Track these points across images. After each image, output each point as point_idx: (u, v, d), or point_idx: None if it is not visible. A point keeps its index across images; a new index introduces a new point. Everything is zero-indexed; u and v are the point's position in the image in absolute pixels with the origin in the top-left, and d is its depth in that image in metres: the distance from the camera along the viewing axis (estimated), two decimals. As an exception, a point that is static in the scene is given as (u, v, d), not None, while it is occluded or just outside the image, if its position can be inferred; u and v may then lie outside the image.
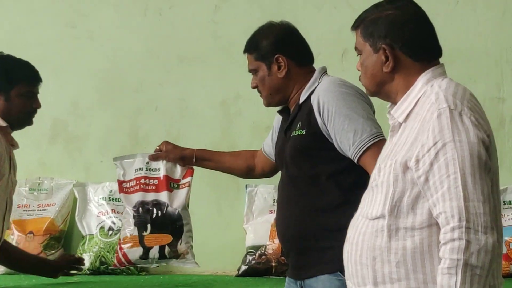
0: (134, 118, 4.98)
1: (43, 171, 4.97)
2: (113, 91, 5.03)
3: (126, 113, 4.99)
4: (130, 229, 3.47)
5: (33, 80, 3.30)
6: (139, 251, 3.46)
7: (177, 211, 3.49)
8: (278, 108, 3.13)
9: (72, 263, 3.61)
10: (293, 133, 2.92)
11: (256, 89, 3.09)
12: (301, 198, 2.89)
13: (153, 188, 3.53)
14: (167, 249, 3.47)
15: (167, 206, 3.50)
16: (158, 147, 3.50)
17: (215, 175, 4.61)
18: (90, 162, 4.97)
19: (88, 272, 4.57)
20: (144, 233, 3.47)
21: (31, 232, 4.72)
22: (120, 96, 5.02)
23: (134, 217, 3.48)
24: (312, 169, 2.88)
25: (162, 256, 3.47)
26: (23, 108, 3.27)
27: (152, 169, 3.57)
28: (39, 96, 4.85)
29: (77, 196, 4.85)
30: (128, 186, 3.54)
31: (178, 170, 3.56)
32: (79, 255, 4.66)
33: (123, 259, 3.47)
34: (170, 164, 3.56)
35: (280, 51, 2.99)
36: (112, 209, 4.70)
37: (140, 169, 3.57)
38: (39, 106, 3.32)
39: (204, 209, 4.71)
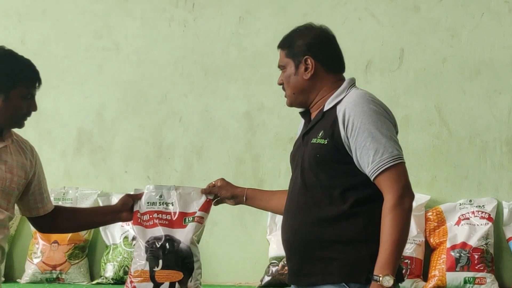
0: (159, 129, 5.01)
1: (68, 181, 5.01)
2: (137, 102, 5.06)
3: (151, 124, 5.02)
4: (141, 264, 3.46)
5: (35, 82, 3.24)
6: (149, 286, 3.44)
7: (189, 248, 3.50)
8: (301, 117, 3.14)
9: (130, 200, 3.56)
10: (314, 140, 2.91)
11: (281, 88, 3.09)
12: (313, 207, 2.88)
13: (166, 223, 3.53)
14: (177, 286, 3.47)
15: (180, 242, 3.50)
16: (213, 182, 3.51)
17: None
18: (115, 172, 5.00)
19: (112, 282, 4.60)
20: (156, 269, 3.45)
21: (55, 241, 4.75)
22: (144, 107, 5.05)
23: (146, 251, 3.48)
24: (328, 180, 2.87)
25: None
26: (20, 109, 3.20)
27: (166, 203, 3.57)
28: (65, 105, 4.91)
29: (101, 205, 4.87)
30: (143, 219, 3.54)
31: (194, 202, 3.57)
32: (103, 264, 4.70)
33: None
34: (185, 195, 3.57)
35: (310, 53, 2.99)
36: (136, 219, 4.72)
37: (153, 203, 3.57)
38: (35, 109, 3.27)
39: (227, 220, 4.73)
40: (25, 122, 3.28)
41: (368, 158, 2.79)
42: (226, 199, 3.51)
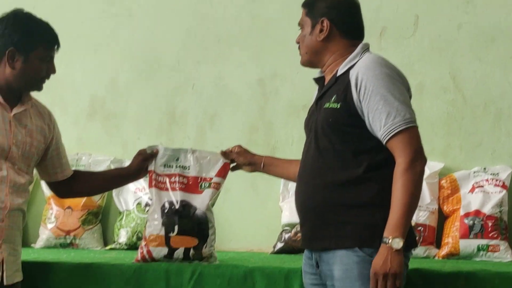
0: (171, 96, 5.00)
1: (81, 148, 5.01)
2: (150, 69, 5.05)
3: (164, 91, 5.02)
4: (157, 228, 3.49)
5: (54, 44, 3.25)
6: (164, 250, 3.48)
7: (205, 214, 3.51)
8: (315, 84, 3.14)
9: (143, 157, 3.58)
10: (327, 105, 2.91)
11: (297, 48, 3.09)
12: (327, 171, 2.88)
13: (182, 187, 3.54)
14: (192, 251, 3.49)
15: (196, 209, 3.51)
16: (230, 149, 3.56)
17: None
18: (127, 139, 5.01)
19: (125, 247, 4.62)
20: (171, 234, 3.48)
21: (69, 207, 4.77)
22: (157, 74, 5.04)
23: (162, 216, 3.49)
24: (341, 144, 2.87)
25: (186, 257, 3.49)
26: (39, 72, 3.21)
27: (182, 166, 3.58)
28: (78, 71, 4.92)
29: (114, 172, 4.88)
30: (158, 180, 3.55)
31: (211, 167, 3.57)
32: (117, 230, 4.72)
33: (147, 256, 3.50)
34: (202, 159, 3.57)
35: (328, 16, 2.99)
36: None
37: (170, 166, 3.58)
38: (54, 71, 3.27)
39: (240, 187, 4.73)
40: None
41: (380, 122, 2.78)
42: (243, 166, 3.52)
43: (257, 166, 3.51)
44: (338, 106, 2.87)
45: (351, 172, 2.84)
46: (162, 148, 3.62)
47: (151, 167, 3.58)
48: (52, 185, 3.53)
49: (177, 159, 3.60)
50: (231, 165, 3.60)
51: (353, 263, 2.80)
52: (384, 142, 2.80)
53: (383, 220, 2.77)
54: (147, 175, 3.58)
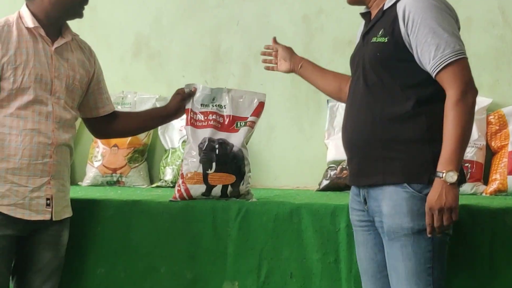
0: (215, 34, 4.98)
1: (126, 86, 5.03)
2: (194, 6, 5.02)
3: (208, 28, 4.99)
4: (195, 166, 3.51)
5: None
6: (202, 188, 3.50)
7: (241, 151, 3.51)
8: (361, 18, 3.10)
9: (181, 96, 3.60)
10: (374, 39, 2.88)
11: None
12: (375, 106, 2.86)
13: (219, 126, 3.56)
14: (229, 188, 3.51)
15: (233, 146, 3.52)
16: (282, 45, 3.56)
17: (295, 91, 4.63)
18: (172, 77, 5.00)
19: (171, 185, 4.65)
20: (209, 171, 3.50)
21: (115, 145, 4.81)
22: (201, 11, 5.01)
23: (199, 153, 3.51)
24: (390, 78, 2.84)
25: (223, 194, 3.51)
26: None
27: (218, 105, 3.59)
28: (122, 10, 4.91)
29: (160, 110, 4.90)
30: (195, 118, 3.57)
31: (246, 107, 3.58)
32: (162, 167, 4.75)
33: (184, 194, 3.52)
34: (237, 99, 3.57)
35: None
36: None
37: (206, 105, 3.59)
38: None
39: (285, 125, 4.73)
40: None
41: (429, 54, 2.74)
42: (283, 60, 3.48)
43: (295, 65, 3.49)
44: (386, 40, 2.83)
45: (400, 107, 2.81)
46: (199, 86, 3.62)
47: (188, 106, 3.60)
48: (91, 123, 3.54)
49: (214, 99, 3.61)
50: (268, 64, 3.58)
51: (402, 199, 2.78)
52: (433, 75, 2.76)
53: (433, 155, 2.75)
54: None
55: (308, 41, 4.81)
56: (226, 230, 3.46)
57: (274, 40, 3.59)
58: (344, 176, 4.36)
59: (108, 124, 3.54)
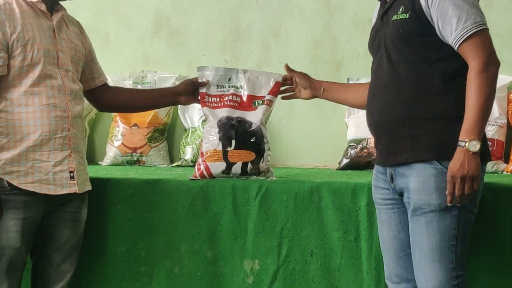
0: (235, 12, 4.96)
1: (147, 65, 5.03)
2: (214, -16, 5.02)
3: (228, 7, 4.98)
4: (214, 143, 3.51)
5: None
6: (222, 165, 3.50)
7: (260, 129, 3.51)
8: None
9: (193, 86, 3.61)
10: (394, 17, 2.86)
11: None
12: (400, 84, 2.84)
13: (236, 105, 3.56)
14: (249, 166, 3.51)
15: (251, 123, 3.51)
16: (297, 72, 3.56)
17: (316, 70, 4.61)
18: (192, 56, 5.00)
19: (191, 164, 4.66)
20: (229, 149, 3.50)
21: (135, 125, 4.82)
22: (221, -11, 5.01)
23: (219, 131, 3.51)
24: (413, 55, 2.82)
25: (244, 172, 3.51)
26: None
27: (235, 86, 3.58)
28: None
29: (179, 89, 4.90)
30: (211, 101, 3.57)
31: (263, 86, 3.57)
32: (182, 147, 4.76)
33: (205, 172, 3.51)
34: (253, 79, 3.57)
35: None
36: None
37: (223, 86, 3.59)
38: None
39: (305, 104, 4.69)
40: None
41: (451, 27, 2.72)
42: (303, 88, 3.50)
43: (317, 90, 3.50)
44: (407, 16, 2.82)
45: (425, 84, 2.80)
46: (214, 68, 3.62)
47: (202, 89, 3.59)
48: (91, 95, 3.55)
49: (229, 79, 3.60)
50: (285, 94, 3.59)
51: (430, 175, 2.77)
52: (456, 48, 2.74)
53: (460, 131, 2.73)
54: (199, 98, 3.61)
55: (328, 19, 4.79)
56: (246, 209, 3.46)
57: (287, 67, 3.57)
58: (364, 154, 4.35)
59: (107, 95, 3.56)
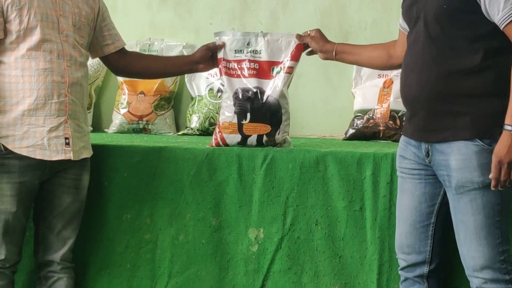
0: (244, -20, 4.94)
1: (154, 33, 5.01)
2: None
3: (236, -25, 4.96)
4: (230, 116, 3.50)
5: None
6: (237, 137, 3.50)
7: (277, 100, 3.49)
8: None
9: (210, 51, 3.60)
10: None
11: None
12: (441, 59, 2.81)
13: (254, 73, 3.52)
14: (265, 138, 3.50)
15: (268, 96, 3.49)
16: (308, 32, 3.51)
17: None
18: (200, 24, 4.97)
19: (197, 133, 4.66)
20: (244, 122, 3.49)
21: (142, 92, 4.80)
22: (230, -43, 4.97)
23: (234, 104, 3.49)
24: (456, 31, 2.78)
25: (259, 143, 3.50)
26: None
27: (253, 51, 3.54)
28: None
29: (186, 58, 4.89)
30: (229, 67, 3.53)
31: (283, 50, 3.53)
32: (189, 115, 4.75)
33: (221, 142, 3.52)
34: (273, 42, 3.53)
35: None
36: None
37: (240, 51, 3.55)
38: None
39: (312, 73, 4.70)
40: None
41: (498, 5, 2.68)
42: (315, 52, 3.48)
43: (329, 53, 3.46)
44: None
45: (467, 60, 2.77)
46: (232, 32, 3.59)
47: (220, 55, 3.57)
48: (107, 61, 3.55)
49: (248, 44, 3.57)
50: (306, 50, 3.57)
51: (472, 153, 2.75)
52: (501, 27, 2.71)
53: (502, 109, 2.70)
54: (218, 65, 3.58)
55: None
56: (252, 177, 3.46)
57: (298, 36, 3.52)
58: (370, 125, 4.34)
59: (124, 62, 3.54)
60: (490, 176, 2.70)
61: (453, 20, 2.78)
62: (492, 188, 2.71)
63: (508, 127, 2.66)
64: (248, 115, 3.49)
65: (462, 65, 2.77)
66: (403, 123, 3.15)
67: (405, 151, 3.00)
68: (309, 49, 3.56)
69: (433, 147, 2.86)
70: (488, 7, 2.72)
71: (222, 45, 3.54)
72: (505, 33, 2.72)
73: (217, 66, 3.57)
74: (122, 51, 3.54)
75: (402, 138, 3.04)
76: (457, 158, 2.79)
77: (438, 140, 2.84)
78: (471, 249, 2.81)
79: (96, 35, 3.43)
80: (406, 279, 3.05)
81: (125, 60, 3.55)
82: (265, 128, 3.51)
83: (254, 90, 3.50)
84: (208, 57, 3.58)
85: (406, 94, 2.95)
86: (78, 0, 3.30)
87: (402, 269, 3.06)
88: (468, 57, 2.77)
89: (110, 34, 3.47)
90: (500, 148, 2.68)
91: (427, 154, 2.89)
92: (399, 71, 4.34)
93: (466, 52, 2.77)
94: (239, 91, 3.51)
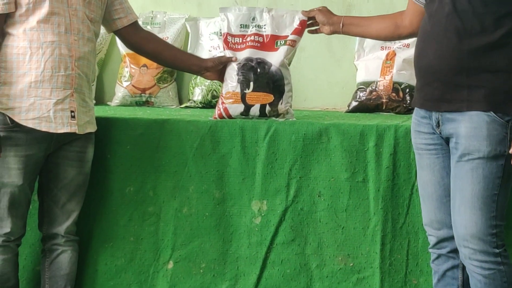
0: (246, -44, 4.92)
1: (156, 5, 4.99)
2: None
3: None
4: (233, 85, 3.52)
5: None
6: (240, 107, 3.51)
7: (280, 70, 3.49)
8: None
9: (221, 64, 3.61)
10: None
11: None
12: (464, 32, 2.78)
13: (258, 45, 3.55)
14: (267, 108, 3.50)
15: (271, 65, 3.50)
16: (314, 8, 3.53)
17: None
18: (202, -3, 4.98)
19: (200, 106, 4.66)
20: (246, 91, 3.50)
21: (144, 65, 4.79)
22: None
23: (238, 73, 3.50)
24: (482, 6, 2.76)
25: (262, 114, 3.51)
26: None
27: (258, 26, 3.56)
28: None
29: (189, 30, 4.88)
30: (233, 42, 3.56)
31: (287, 25, 3.55)
32: (191, 88, 4.75)
33: (224, 114, 3.52)
34: (278, 18, 3.54)
35: None
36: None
37: (246, 25, 3.57)
38: None
39: (315, 46, 4.69)
40: None
41: None
42: (322, 25, 3.48)
43: (335, 26, 3.46)
44: None
45: (490, 36, 2.75)
46: (237, 8, 3.60)
47: (224, 30, 3.58)
48: (120, 35, 3.56)
49: (253, 19, 3.58)
50: (311, 28, 3.57)
51: (483, 122, 2.75)
52: None
53: None
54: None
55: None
56: (255, 150, 3.47)
57: (304, 12, 3.55)
58: (373, 97, 4.34)
59: (137, 37, 3.54)
60: (511, 150, 2.71)
61: None
62: (510, 151, 2.71)
63: None
64: (251, 84, 3.50)
65: (484, 40, 2.76)
66: (414, 94, 3.13)
67: (418, 125, 2.99)
68: (313, 28, 3.56)
69: (443, 117, 2.86)
70: None
71: (235, 60, 3.54)
72: None
73: (221, 80, 3.61)
74: (136, 26, 3.55)
75: (415, 111, 3.03)
76: (467, 126, 2.78)
77: (452, 109, 2.83)
78: (464, 218, 2.80)
79: (108, 9, 3.42)
80: (438, 256, 3.03)
81: (138, 35, 3.55)
82: (268, 98, 3.51)
83: (258, 60, 3.52)
84: (218, 68, 3.60)
85: (422, 63, 2.92)
86: None
87: (433, 246, 3.03)
88: (491, 33, 2.75)
89: (123, 7, 3.47)
90: None
91: (437, 124, 2.89)
92: (402, 43, 4.39)
93: (491, 28, 2.76)
94: (243, 61, 3.53)
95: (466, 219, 2.80)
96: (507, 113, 2.73)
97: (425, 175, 3.00)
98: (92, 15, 3.30)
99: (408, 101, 4.25)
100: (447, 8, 2.84)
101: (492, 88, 2.75)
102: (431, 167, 2.96)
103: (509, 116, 2.73)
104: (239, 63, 3.52)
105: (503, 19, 2.76)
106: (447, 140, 2.88)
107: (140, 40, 3.56)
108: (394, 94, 4.30)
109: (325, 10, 3.51)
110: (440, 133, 2.89)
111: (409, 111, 4.20)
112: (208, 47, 4.73)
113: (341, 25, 3.45)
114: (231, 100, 3.51)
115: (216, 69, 3.60)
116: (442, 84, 2.84)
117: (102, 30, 3.53)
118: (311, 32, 3.61)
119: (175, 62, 3.72)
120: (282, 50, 3.54)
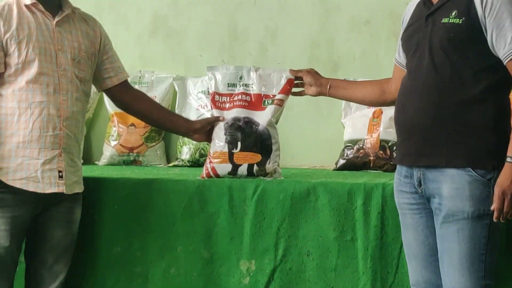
0: (233, 13, 4.96)
1: (144, 65, 5.03)
2: (212, -15, 5.01)
3: (225, 7, 4.97)
4: (220, 145, 3.53)
5: None
6: (228, 167, 3.51)
7: (267, 130, 3.51)
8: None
9: (209, 125, 3.62)
10: (445, 20, 2.81)
11: None
12: (442, 88, 2.80)
13: (246, 104, 3.56)
14: (255, 167, 3.51)
15: (259, 125, 3.52)
16: (304, 69, 3.55)
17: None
18: (190, 56, 5.00)
19: (188, 164, 4.66)
20: (234, 151, 3.51)
21: (132, 124, 4.80)
22: (218, -10, 5.00)
23: (225, 133, 3.52)
24: (460, 61, 2.79)
25: (250, 173, 3.51)
26: None
27: (245, 84, 3.58)
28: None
29: (177, 89, 4.90)
30: (221, 101, 3.57)
31: (274, 84, 3.57)
32: (179, 147, 4.75)
33: (211, 173, 3.53)
34: (265, 77, 3.57)
35: None
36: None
37: (233, 84, 3.59)
38: None
39: (302, 104, 4.70)
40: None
41: (505, 40, 2.70)
42: (309, 86, 3.50)
43: (323, 87, 3.47)
44: (460, 22, 2.78)
45: (468, 91, 2.77)
46: (224, 66, 3.63)
47: (212, 89, 3.60)
48: (110, 94, 3.57)
49: (241, 77, 3.61)
50: (296, 90, 3.59)
51: (465, 182, 2.75)
52: (505, 62, 2.73)
53: (497, 142, 2.73)
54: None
55: (324, 20, 4.80)
56: (243, 209, 3.46)
57: (291, 71, 3.56)
58: (361, 155, 4.35)
59: (127, 97, 3.56)
60: (493, 207, 2.70)
61: (460, 50, 2.79)
62: (495, 220, 2.71)
63: (510, 159, 2.68)
64: (239, 144, 3.51)
65: (464, 95, 2.77)
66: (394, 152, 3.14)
67: (400, 184, 2.99)
68: (297, 90, 3.59)
69: (425, 176, 2.86)
70: (495, 41, 2.73)
71: (223, 120, 3.56)
72: (507, 68, 2.74)
73: (209, 140, 3.61)
74: (126, 85, 3.57)
75: (397, 170, 3.03)
76: (449, 186, 2.78)
77: (430, 165, 2.83)
78: (453, 279, 2.79)
79: (98, 68, 3.44)
80: None
81: (128, 95, 3.57)
82: (256, 157, 3.52)
83: (245, 119, 3.52)
84: (206, 129, 3.61)
85: (402, 119, 2.93)
86: (78, 34, 3.33)
87: None
88: (470, 87, 2.77)
89: (113, 66, 3.49)
90: (503, 179, 2.69)
91: (419, 184, 2.89)
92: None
93: (469, 83, 2.78)
94: (230, 120, 3.54)
95: (456, 281, 2.79)
96: (488, 171, 2.73)
97: (409, 234, 2.99)
98: (82, 74, 3.31)
99: (395, 159, 4.26)
100: (426, 62, 2.86)
101: (471, 144, 2.76)
102: (415, 227, 2.96)
103: (491, 174, 2.73)
104: (227, 123, 3.53)
105: (481, 73, 2.77)
106: (429, 199, 2.88)
107: (130, 99, 3.57)
108: (381, 152, 4.31)
109: (313, 72, 3.52)
110: (422, 192, 2.89)
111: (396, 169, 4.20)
112: (196, 106, 4.75)
113: (328, 87, 3.46)
114: (218, 160, 3.52)
115: (203, 130, 3.61)
116: (421, 139, 2.85)
117: (92, 88, 3.54)
118: (294, 94, 3.62)
119: (164, 123, 3.73)
120: (270, 109, 3.55)
